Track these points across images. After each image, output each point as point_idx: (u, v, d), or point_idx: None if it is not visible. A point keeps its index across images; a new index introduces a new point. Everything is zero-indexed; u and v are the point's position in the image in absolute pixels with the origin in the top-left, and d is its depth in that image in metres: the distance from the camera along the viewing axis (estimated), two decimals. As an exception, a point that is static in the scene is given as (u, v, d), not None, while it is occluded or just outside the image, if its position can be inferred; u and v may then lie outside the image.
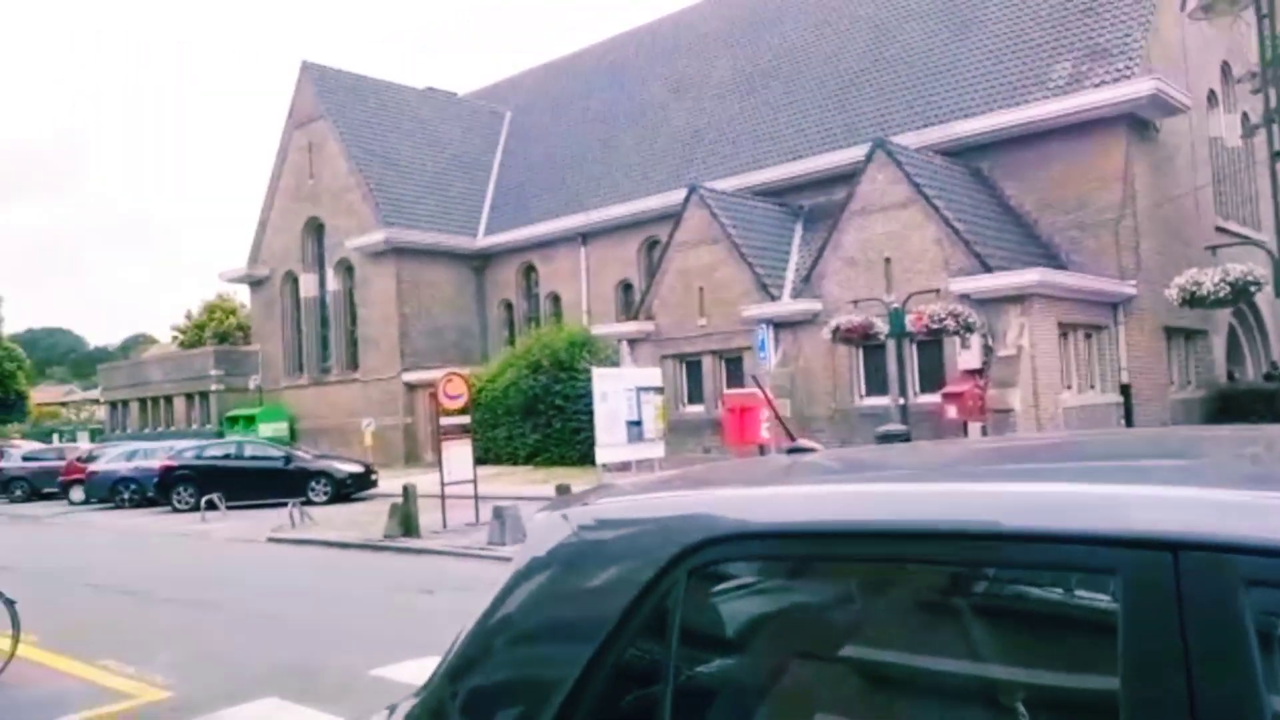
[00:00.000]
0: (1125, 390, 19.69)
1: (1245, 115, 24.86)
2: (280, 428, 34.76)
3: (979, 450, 2.33)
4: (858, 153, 22.06)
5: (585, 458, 24.81)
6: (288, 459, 22.70)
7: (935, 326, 15.11)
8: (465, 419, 15.30)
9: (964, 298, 17.16)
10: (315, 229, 35.46)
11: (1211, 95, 23.07)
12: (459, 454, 14.90)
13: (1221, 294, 11.48)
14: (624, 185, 30.27)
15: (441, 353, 32.11)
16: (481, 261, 34.08)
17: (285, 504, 17.86)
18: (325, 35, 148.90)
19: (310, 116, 34.94)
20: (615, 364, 24.35)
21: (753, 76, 29.27)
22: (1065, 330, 18.35)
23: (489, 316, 34.12)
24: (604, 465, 14.41)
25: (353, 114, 34.58)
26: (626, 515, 1.84)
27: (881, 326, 16.36)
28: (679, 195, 25.11)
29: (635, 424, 14.08)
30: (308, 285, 35.94)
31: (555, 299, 32.12)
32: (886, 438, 13.79)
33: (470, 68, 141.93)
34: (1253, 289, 11.57)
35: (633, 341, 23.38)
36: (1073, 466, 1.85)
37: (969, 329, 15.53)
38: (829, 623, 1.71)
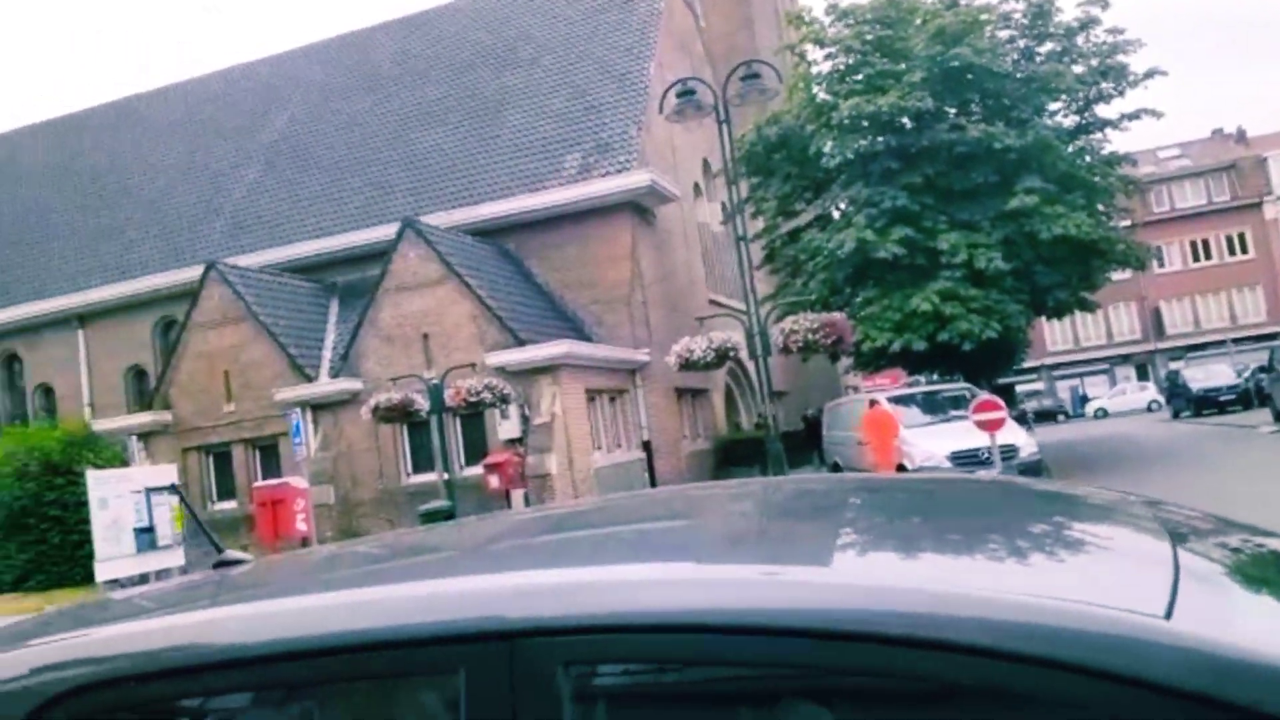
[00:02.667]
0: (647, 446, 21.69)
1: (724, 204, 29.23)
2: None
3: (378, 551, 2.34)
4: (389, 230, 22.11)
5: (93, 575, 21.39)
6: None
7: (473, 400, 15.42)
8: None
9: (500, 370, 17.76)
10: None
11: (697, 186, 26.74)
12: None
13: (709, 358, 13.22)
14: (130, 261, 27.12)
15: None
16: (-55, 350, 28.29)
17: None
18: None
19: None
20: (126, 463, 21.47)
21: (275, 152, 28.08)
22: (593, 395, 19.79)
23: (-44, 417, 28.30)
24: (109, 582, 12.44)
25: None
26: None
27: (422, 403, 16.32)
28: (194, 272, 23.13)
29: (146, 531, 12.35)
30: None
31: (47, 392, 27.58)
32: (429, 515, 13.65)
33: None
34: (732, 353, 13.50)
35: (145, 435, 20.82)
36: (439, 560, 1.88)
37: (504, 400, 16.09)
38: None
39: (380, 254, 22.29)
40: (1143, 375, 52.04)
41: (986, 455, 13.92)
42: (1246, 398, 34.38)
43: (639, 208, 21.89)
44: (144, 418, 20.84)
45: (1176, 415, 35.69)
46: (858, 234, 17.26)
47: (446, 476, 15.96)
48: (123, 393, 26.51)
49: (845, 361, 38.43)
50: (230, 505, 20.26)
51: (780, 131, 21.00)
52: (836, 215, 20.64)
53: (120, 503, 11.94)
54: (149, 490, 12.43)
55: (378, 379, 19.10)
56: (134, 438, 18.52)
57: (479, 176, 23.55)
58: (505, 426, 17.82)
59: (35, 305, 26.89)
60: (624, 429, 21.33)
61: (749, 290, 12.44)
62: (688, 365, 13.67)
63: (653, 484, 21.07)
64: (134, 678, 1.33)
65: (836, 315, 13.52)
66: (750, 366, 29.42)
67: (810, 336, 12.59)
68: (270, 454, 20.39)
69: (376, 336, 19.34)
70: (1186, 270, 50.77)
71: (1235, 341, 48.89)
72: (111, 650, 1.41)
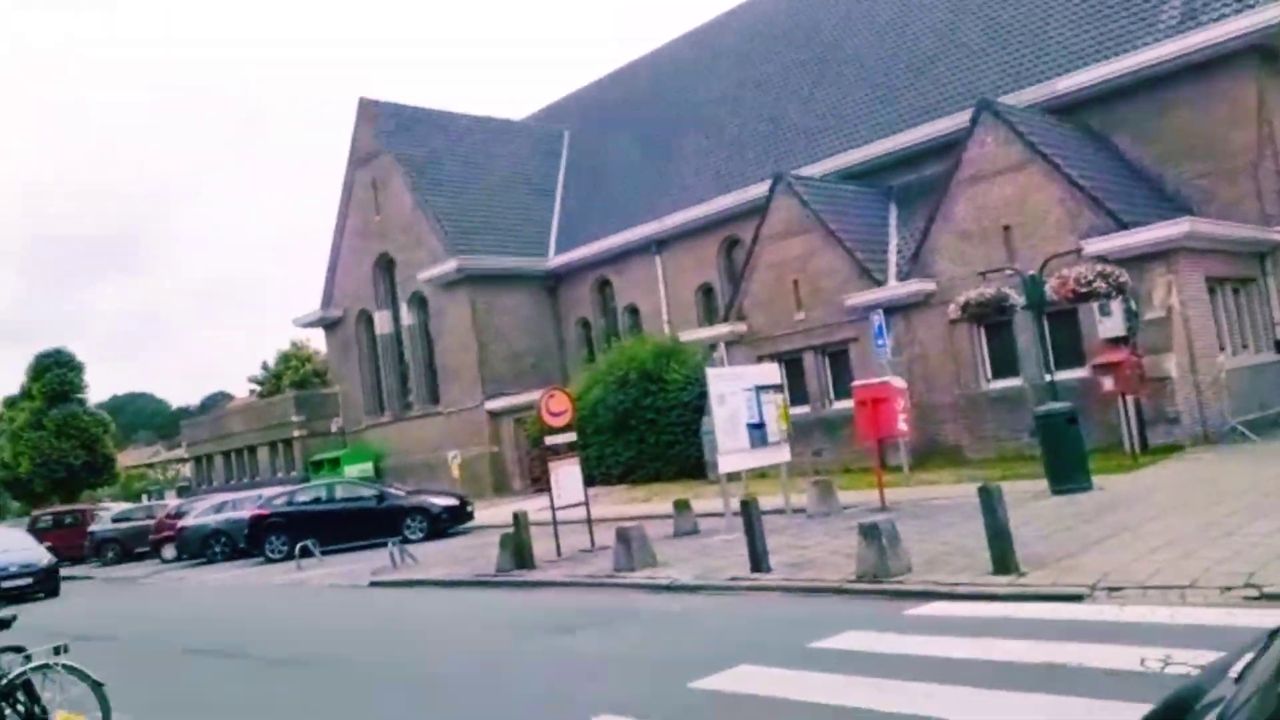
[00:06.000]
0: (1282, 348, 17.77)
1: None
2: (366, 468, 34.17)
3: None
4: (949, 123, 20.65)
5: (682, 472, 23.54)
6: (380, 497, 21.83)
7: (1083, 291, 13.48)
8: (572, 436, 14.13)
9: (1099, 260, 15.48)
10: (386, 265, 34.93)
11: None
12: (568, 475, 13.73)
13: None
14: (695, 187, 29.08)
15: (521, 377, 31.19)
16: (554, 281, 33.14)
17: (381, 545, 16.94)
18: (368, 68, 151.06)
19: (371, 153, 34.50)
20: (703, 372, 23.09)
21: (819, 61, 27.91)
22: (1213, 286, 16.55)
23: (566, 336, 33.13)
24: (727, 475, 13.09)
25: (413, 146, 34.03)
26: None
27: (1016, 298, 14.79)
28: (757, 190, 23.88)
29: (757, 427, 12.72)
30: (382, 322, 35.40)
31: (633, 311, 30.99)
32: (1045, 418, 12.23)
33: (521, 93, 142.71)
34: None
35: (726, 345, 22.08)
36: None
37: (1120, 290, 13.87)
38: None
39: (936, 151, 20.99)
40: None
41: None
42: None
43: (1267, 53, 17.64)
44: (722, 329, 22.10)
45: None
46: None
47: (1049, 378, 14.31)
48: (693, 308, 28.74)
49: None
50: (803, 410, 20.50)
51: None
52: None
53: (735, 399, 12.38)
54: (759, 388, 12.75)
55: (952, 277, 17.92)
56: (723, 344, 19.64)
57: (1049, 46, 20.88)
58: (1107, 324, 15.57)
59: (621, 235, 30.14)
60: (1251, 325, 17.64)
61: None
62: None
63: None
64: None
65: None
66: None
67: None
68: (840, 360, 20.38)
69: (951, 232, 18.11)
70: None
71: None
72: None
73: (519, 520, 12.91)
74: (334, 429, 37.58)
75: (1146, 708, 1.89)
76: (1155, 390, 15.08)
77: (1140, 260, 15.42)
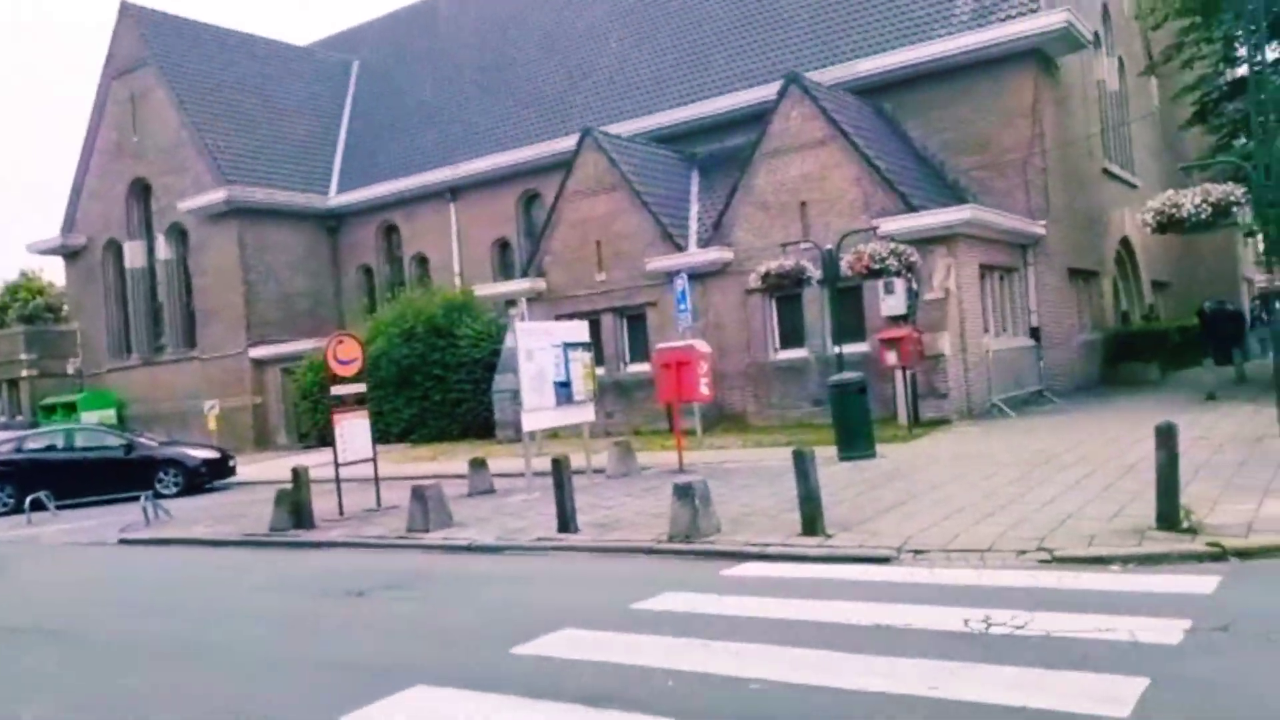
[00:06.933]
0: (1035, 333, 19.43)
1: (1121, 60, 25.24)
2: (107, 415, 30.80)
3: None
4: (758, 94, 20.96)
5: (469, 431, 22.84)
6: (129, 447, 19.63)
7: (876, 267, 14.03)
8: (361, 387, 13.12)
9: (888, 240, 16.21)
10: (141, 191, 31.48)
11: (1096, 36, 23.09)
12: (356, 429, 12.74)
13: (1204, 215, 10.77)
14: (496, 135, 28.09)
15: (292, 323, 29.17)
16: (335, 222, 31.12)
17: (128, 501, 15.19)
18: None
19: (133, 64, 30.84)
20: (500, 329, 22.43)
21: (632, 17, 27.59)
22: (983, 272, 17.78)
23: (345, 282, 31.25)
24: (529, 435, 12.62)
25: (183, 61, 30.74)
26: None
27: (813, 271, 15.19)
28: (562, 144, 23.37)
29: (564, 385, 12.32)
30: (134, 254, 31.94)
31: (422, 261, 29.66)
32: (840, 386, 12.61)
33: (308, 20, 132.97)
34: (1235, 209, 10.96)
35: (513, 303, 21.48)
36: None
37: (910, 269, 14.56)
38: None
39: (742, 121, 21.29)
40: None
41: None
42: None
43: (1044, 57, 19.07)
44: (520, 284, 21.49)
45: None
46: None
47: (837, 350, 14.82)
48: (488, 264, 27.87)
49: (1248, 249, 32.98)
50: (599, 372, 20.36)
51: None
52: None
53: (543, 356, 11.89)
54: (566, 345, 12.33)
55: (750, 248, 18.25)
56: (524, 300, 19.01)
57: (852, 31, 21.63)
58: (890, 302, 16.35)
59: (413, 179, 28.67)
60: (1011, 311, 19.16)
61: (1263, 131, 9.88)
62: (1169, 225, 11.33)
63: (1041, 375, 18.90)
64: None
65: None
66: (1141, 247, 25.80)
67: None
68: (637, 323, 20.36)
69: (751, 204, 18.40)
70: None
71: None
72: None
73: (299, 475, 11.85)
74: (70, 370, 33.67)
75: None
76: (929, 367, 16.02)
77: (925, 243, 16.26)
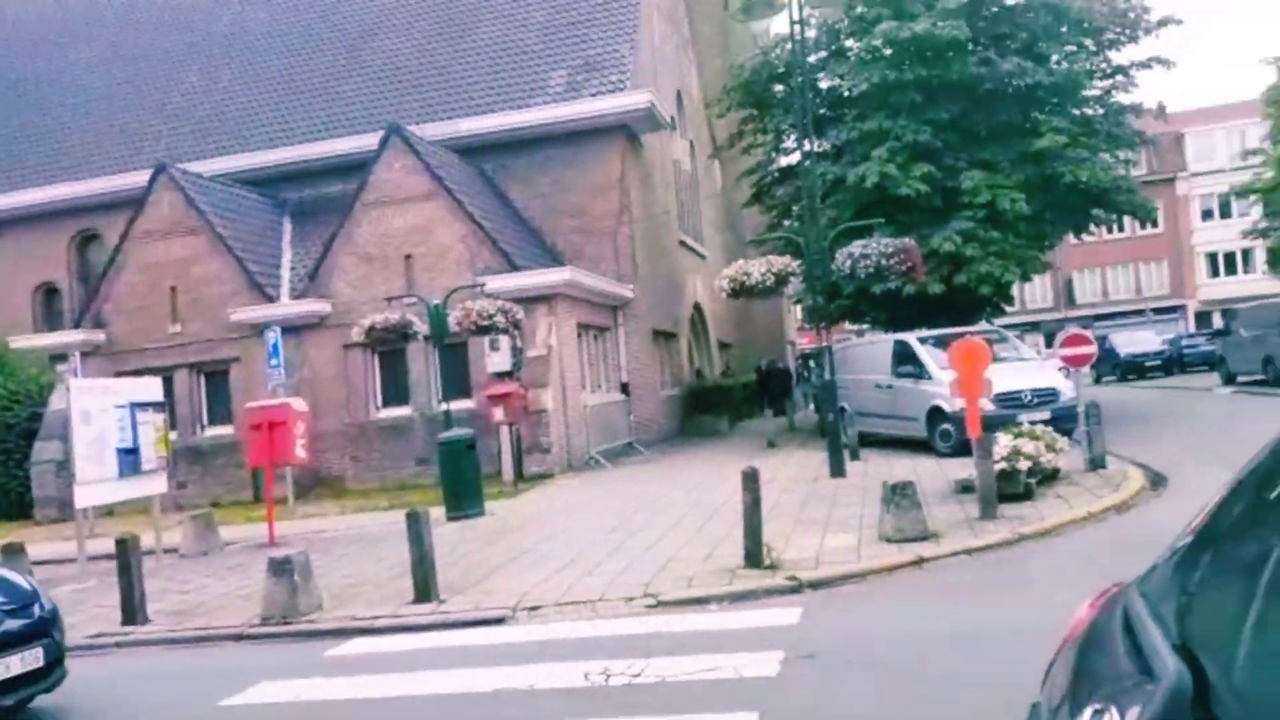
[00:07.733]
0: (625, 388, 20.67)
1: (692, 143, 28.17)
2: None
3: None
4: (357, 142, 20.26)
5: (11, 512, 19.11)
6: None
7: (484, 324, 14.04)
8: None
9: (494, 297, 16.37)
10: None
11: (672, 120, 25.52)
12: None
13: (767, 282, 12.20)
14: (43, 166, 24.28)
15: None
16: None
17: None
18: None
19: None
20: (42, 388, 19.21)
21: (214, 51, 25.45)
22: (580, 331, 18.61)
23: None
24: (83, 512, 10.73)
25: None
26: None
27: (420, 325, 14.84)
28: (132, 179, 20.76)
29: (130, 452, 10.67)
30: None
31: (-59, 308, 24.58)
32: (449, 444, 12.35)
33: None
34: (792, 277, 12.55)
35: (62, 358, 18.53)
36: None
37: (516, 327, 14.78)
38: None
39: (337, 170, 20.45)
40: (1050, 342, 53.53)
41: (1031, 399, 13.49)
42: (1169, 364, 35.55)
43: (631, 133, 20.63)
44: (73, 335, 18.60)
45: (1099, 380, 35.39)
46: (879, 168, 16.47)
47: (446, 407, 14.57)
48: (29, 311, 23.85)
49: (791, 315, 38.19)
50: (171, 435, 18.20)
51: (786, 59, 19.98)
52: (828, 149, 19.68)
53: (104, 418, 10.23)
54: (133, 406, 10.73)
55: (351, 301, 17.47)
56: (78, 354, 16.31)
57: (452, 91, 21.80)
58: (495, 358, 16.46)
59: (-71, 209, 23.77)
60: (605, 369, 20.24)
61: (811, 213, 11.47)
62: (740, 291, 12.62)
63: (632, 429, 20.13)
64: None
65: (908, 241, 12.68)
66: (710, 311, 28.73)
67: (884, 261, 11.73)
68: (218, 380, 18.52)
69: (352, 254, 17.65)
70: (1100, 242, 52.22)
71: (1138, 313, 51.00)
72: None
73: None
74: None
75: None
76: (533, 422, 16.33)
77: (528, 301, 16.61)
